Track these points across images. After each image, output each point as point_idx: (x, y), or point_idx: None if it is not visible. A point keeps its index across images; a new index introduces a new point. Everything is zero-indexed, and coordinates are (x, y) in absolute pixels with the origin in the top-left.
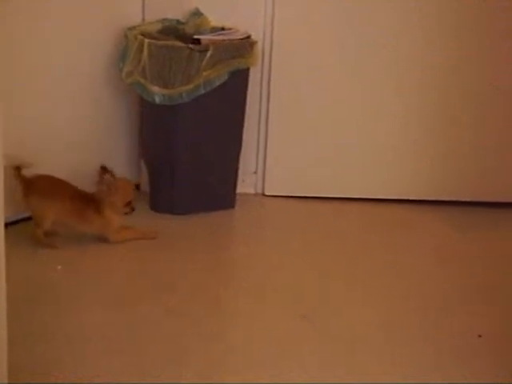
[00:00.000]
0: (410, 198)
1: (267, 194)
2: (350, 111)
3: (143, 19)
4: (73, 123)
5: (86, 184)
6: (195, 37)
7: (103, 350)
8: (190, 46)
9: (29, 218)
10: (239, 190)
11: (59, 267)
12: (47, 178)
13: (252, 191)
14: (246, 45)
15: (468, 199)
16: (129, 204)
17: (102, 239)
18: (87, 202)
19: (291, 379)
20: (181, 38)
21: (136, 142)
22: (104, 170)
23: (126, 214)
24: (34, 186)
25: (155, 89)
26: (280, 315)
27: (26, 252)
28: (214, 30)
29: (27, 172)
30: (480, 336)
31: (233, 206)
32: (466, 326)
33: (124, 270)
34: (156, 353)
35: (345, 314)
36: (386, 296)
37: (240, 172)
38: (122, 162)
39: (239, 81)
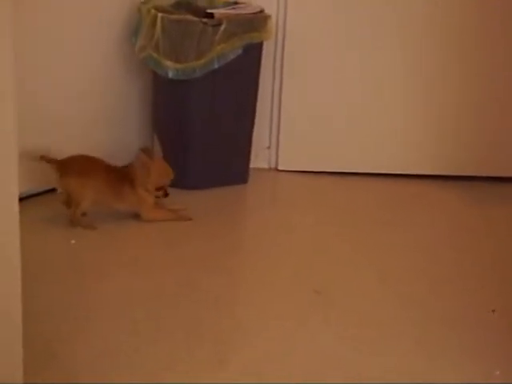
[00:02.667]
0: (423, 173)
1: (280, 168)
2: (364, 86)
3: None
4: (86, 98)
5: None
6: (208, 11)
7: (115, 324)
8: (204, 20)
9: (44, 192)
10: (252, 164)
11: (73, 241)
12: (81, 158)
13: (265, 166)
14: (259, 19)
15: (480, 174)
16: (160, 189)
17: (136, 217)
18: (122, 178)
19: (302, 350)
20: (194, 12)
21: (149, 116)
22: (145, 150)
23: (157, 197)
24: (69, 167)
25: (168, 63)
26: (293, 290)
27: (40, 225)
28: (227, 4)
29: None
30: (493, 311)
31: (246, 181)
32: (480, 301)
33: (136, 243)
34: (169, 325)
35: (357, 289)
36: (399, 271)
37: (253, 147)
38: (136, 136)
39: (253, 55)
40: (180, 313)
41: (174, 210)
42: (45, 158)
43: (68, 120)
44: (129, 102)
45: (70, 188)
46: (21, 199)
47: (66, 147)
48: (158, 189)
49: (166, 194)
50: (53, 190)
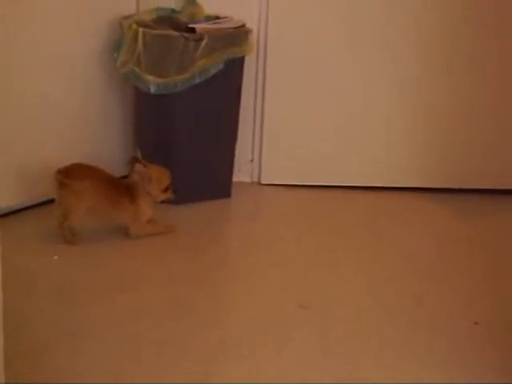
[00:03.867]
0: (408, 186)
1: (263, 182)
2: (347, 99)
3: (138, 8)
4: (67, 113)
5: None
6: (190, 26)
7: (98, 339)
8: (185, 34)
9: (26, 208)
10: (235, 178)
11: (55, 257)
12: (81, 166)
13: (248, 180)
14: (241, 33)
15: (468, 186)
16: (166, 190)
17: (124, 233)
18: (122, 190)
19: (288, 365)
20: (175, 27)
21: (131, 131)
22: (134, 160)
23: (167, 199)
24: (68, 175)
25: (150, 78)
26: (279, 304)
27: (22, 241)
28: (209, 18)
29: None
30: (476, 323)
31: (229, 195)
32: (463, 313)
33: (120, 258)
34: (154, 339)
35: (343, 301)
36: (385, 283)
37: (236, 161)
38: (118, 152)
39: (234, 69)
40: (165, 328)
41: (160, 224)
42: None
43: (49, 133)
44: (111, 117)
45: (65, 197)
46: (2, 215)
47: (48, 159)
48: (164, 190)
49: (174, 191)
50: (34, 206)
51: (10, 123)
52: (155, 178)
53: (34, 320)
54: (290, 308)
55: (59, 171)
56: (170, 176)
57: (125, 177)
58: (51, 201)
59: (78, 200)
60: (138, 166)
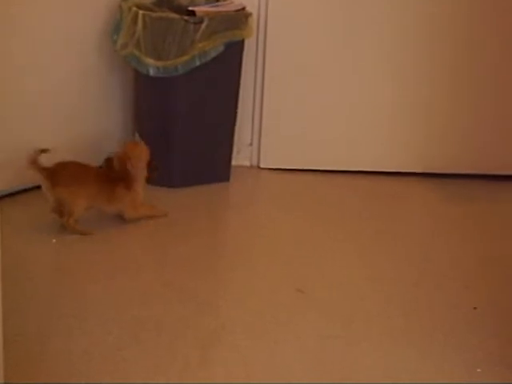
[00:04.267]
0: (407, 171)
1: (262, 166)
2: (346, 83)
3: None
4: (66, 96)
5: (80, 158)
6: (190, 8)
7: (98, 324)
8: (185, 17)
9: (25, 190)
10: (234, 162)
11: (54, 240)
12: (71, 165)
13: (247, 164)
14: (241, 16)
15: (462, 172)
16: (147, 166)
17: (120, 218)
18: (114, 180)
19: (286, 350)
20: (175, 10)
21: (131, 115)
22: (108, 160)
23: (151, 175)
24: (60, 175)
25: (150, 61)
26: (277, 289)
27: (21, 224)
28: (209, 1)
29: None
30: (475, 308)
31: (228, 179)
32: (462, 298)
33: (119, 244)
34: (151, 323)
35: (340, 286)
36: (381, 268)
37: (235, 144)
38: (117, 135)
39: (234, 52)
40: (164, 313)
41: (151, 206)
42: (35, 166)
43: (48, 115)
44: (110, 100)
45: (62, 197)
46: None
47: (46, 141)
48: (149, 165)
49: (156, 168)
50: (32, 189)
51: (9, 105)
52: (134, 156)
53: (32, 304)
54: (288, 293)
55: (49, 172)
56: (148, 153)
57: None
58: None
59: (74, 201)
60: (112, 153)
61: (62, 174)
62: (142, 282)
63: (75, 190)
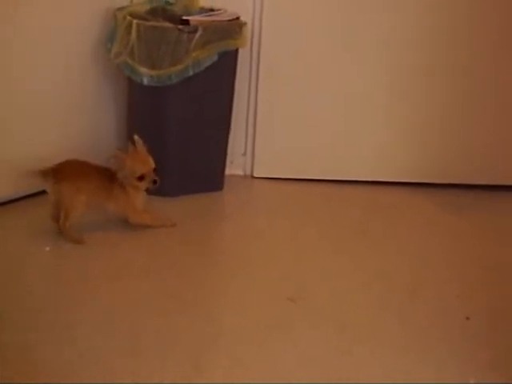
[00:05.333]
0: (400, 181)
1: (256, 175)
2: (340, 93)
3: (132, 0)
4: (59, 103)
5: None
6: (184, 17)
7: (92, 331)
8: (179, 26)
9: (19, 199)
10: (228, 171)
11: (47, 248)
12: (72, 163)
13: (241, 173)
14: (235, 26)
15: (457, 182)
16: (143, 178)
17: (124, 221)
18: (112, 178)
19: (283, 358)
20: (169, 19)
21: (124, 123)
22: (121, 148)
23: (146, 190)
24: (62, 173)
25: (143, 70)
26: (271, 296)
27: (14, 232)
28: (203, 10)
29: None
30: (468, 318)
31: (221, 188)
32: (455, 308)
33: (112, 251)
34: (146, 331)
35: (335, 295)
36: (375, 276)
37: (229, 154)
38: (110, 143)
39: (228, 62)
40: (159, 321)
41: (160, 217)
42: (42, 173)
43: (41, 123)
44: (103, 109)
45: (62, 194)
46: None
47: (39, 150)
48: (140, 179)
49: (154, 182)
50: (27, 197)
51: (3, 114)
52: (128, 166)
53: (27, 311)
54: (282, 302)
55: (53, 170)
56: (150, 165)
57: None
58: (43, 192)
59: (75, 198)
60: (114, 151)
61: (64, 171)
62: (137, 290)
63: (77, 186)
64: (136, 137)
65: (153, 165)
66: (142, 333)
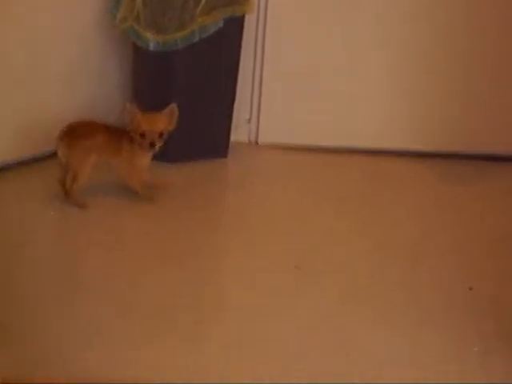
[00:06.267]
0: (404, 150)
1: (261, 142)
2: (346, 60)
3: None
4: (65, 71)
5: None
6: None
7: (97, 297)
8: None
9: (26, 162)
10: (232, 138)
11: (52, 213)
12: (82, 123)
13: (245, 140)
14: None
15: (462, 151)
16: (143, 137)
17: (124, 188)
18: (121, 134)
19: (282, 326)
20: None
21: (129, 89)
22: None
23: (140, 147)
24: (73, 135)
25: (149, 35)
26: (273, 264)
27: (18, 196)
28: None
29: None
30: (471, 288)
31: (226, 155)
32: (457, 278)
33: (116, 217)
34: (147, 297)
35: (337, 264)
36: (378, 246)
37: (233, 120)
38: (115, 110)
39: (234, 28)
40: (160, 288)
41: (158, 183)
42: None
43: (47, 88)
44: (108, 75)
45: (72, 156)
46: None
47: (45, 115)
48: (141, 136)
49: (152, 144)
50: (32, 161)
51: (9, 79)
52: (136, 120)
53: (29, 276)
54: (286, 269)
55: (63, 133)
56: (156, 126)
57: None
58: (49, 156)
59: (85, 159)
60: (129, 105)
61: (73, 133)
62: (139, 256)
63: (87, 146)
64: (173, 105)
65: (159, 128)
66: (143, 298)
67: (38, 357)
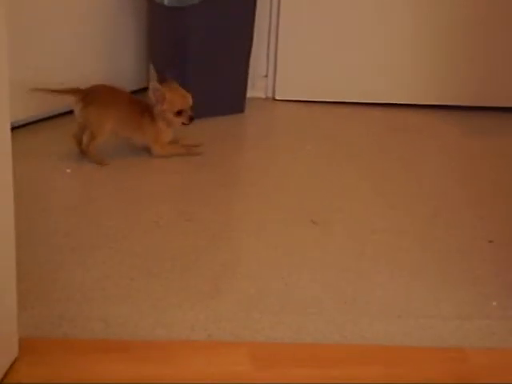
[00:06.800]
0: (423, 103)
1: (278, 98)
2: (363, 14)
3: None
4: (79, 29)
5: None
6: None
7: (113, 253)
8: None
9: (38, 121)
10: (249, 94)
11: (68, 170)
12: (104, 88)
13: (262, 95)
14: None
15: (475, 104)
16: (180, 114)
17: (148, 151)
18: (143, 110)
19: (301, 280)
20: None
21: (145, 45)
22: (161, 77)
23: (183, 124)
24: (92, 97)
25: None
26: (289, 220)
27: (34, 153)
28: None
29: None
30: (491, 241)
31: (243, 111)
32: (477, 231)
33: (133, 173)
34: (164, 254)
35: (355, 219)
36: (396, 200)
37: (250, 76)
38: (131, 66)
39: None
40: (177, 244)
41: (186, 146)
42: (68, 89)
43: (61, 47)
44: (123, 31)
45: (90, 118)
46: (16, 127)
47: (60, 73)
48: (178, 114)
49: (191, 118)
50: (48, 119)
51: (26, 39)
52: (168, 100)
53: (46, 233)
54: (303, 225)
55: (83, 93)
56: (189, 101)
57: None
58: (64, 113)
59: (102, 124)
60: (154, 84)
61: (95, 95)
62: (156, 212)
63: (106, 111)
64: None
65: (191, 102)
66: (160, 255)
67: (59, 316)
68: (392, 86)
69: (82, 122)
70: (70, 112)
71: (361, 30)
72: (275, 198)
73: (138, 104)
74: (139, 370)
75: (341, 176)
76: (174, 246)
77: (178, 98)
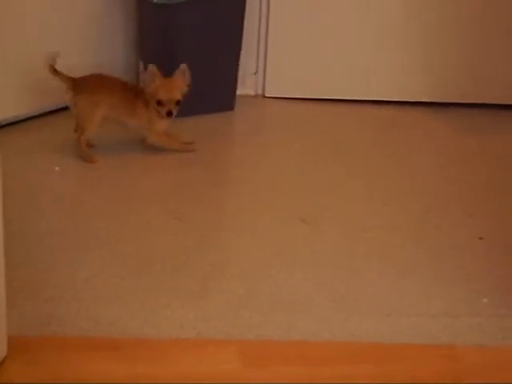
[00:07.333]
0: (413, 100)
1: (267, 95)
2: (352, 12)
3: None
4: (69, 24)
5: None
6: None
7: (103, 253)
8: None
9: (33, 118)
10: (239, 91)
11: (57, 168)
12: (95, 76)
13: (252, 93)
14: None
15: (467, 101)
16: (161, 104)
17: (142, 138)
18: (137, 94)
19: (290, 281)
20: None
21: (134, 43)
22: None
23: (158, 114)
24: (83, 85)
25: None
26: (280, 218)
27: (23, 151)
28: None
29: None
30: (481, 238)
31: (232, 108)
32: (468, 228)
33: (122, 172)
34: (154, 254)
35: (345, 217)
36: (387, 197)
37: (240, 73)
38: (120, 63)
39: None
40: (167, 244)
41: (179, 141)
42: (60, 75)
43: (49, 45)
44: (113, 28)
45: (79, 107)
46: (6, 125)
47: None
48: (159, 103)
49: (169, 113)
50: (37, 116)
51: (12, 35)
52: (153, 87)
53: (35, 231)
54: (293, 224)
55: (74, 82)
56: (171, 96)
57: None
58: (56, 111)
59: (92, 112)
60: (152, 67)
61: (84, 84)
62: (146, 212)
63: (97, 98)
64: (184, 65)
65: (176, 97)
66: (151, 255)
67: (49, 315)
68: (383, 83)
69: (74, 111)
70: (62, 109)
71: (351, 27)
72: (266, 196)
73: (131, 89)
74: (130, 368)
75: (331, 173)
76: (163, 246)
77: (161, 87)
